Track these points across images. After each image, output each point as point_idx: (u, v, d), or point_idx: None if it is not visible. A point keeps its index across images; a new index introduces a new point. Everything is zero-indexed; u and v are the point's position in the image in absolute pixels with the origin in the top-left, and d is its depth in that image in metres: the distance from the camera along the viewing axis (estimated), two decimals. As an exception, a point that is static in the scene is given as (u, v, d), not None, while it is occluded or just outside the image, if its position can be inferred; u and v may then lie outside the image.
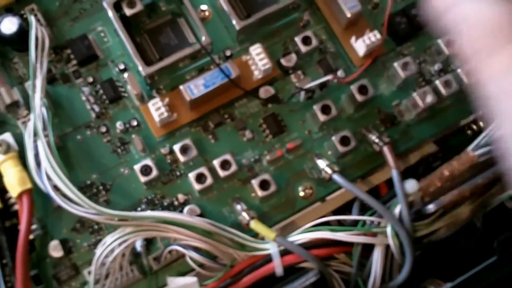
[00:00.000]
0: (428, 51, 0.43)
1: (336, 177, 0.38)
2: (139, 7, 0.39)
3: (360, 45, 0.41)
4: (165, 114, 0.38)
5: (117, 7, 0.39)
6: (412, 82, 0.42)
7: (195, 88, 0.38)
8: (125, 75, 0.39)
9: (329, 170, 0.38)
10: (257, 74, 0.40)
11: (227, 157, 0.38)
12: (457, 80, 0.41)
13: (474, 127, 0.45)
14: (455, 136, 0.44)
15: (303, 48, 0.41)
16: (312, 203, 0.40)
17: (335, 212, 0.40)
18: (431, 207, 0.38)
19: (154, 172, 0.37)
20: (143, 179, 0.37)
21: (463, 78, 0.41)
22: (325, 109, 0.39)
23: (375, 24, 0.42)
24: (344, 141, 0.39)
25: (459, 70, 0.41)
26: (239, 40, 0.41)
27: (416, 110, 0.41)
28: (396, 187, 0.37)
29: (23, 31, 0.38)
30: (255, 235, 0.37)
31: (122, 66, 0.40)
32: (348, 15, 0.41)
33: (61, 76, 0.40)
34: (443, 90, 0.40)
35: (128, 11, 0.39)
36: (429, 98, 0.40)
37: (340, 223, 0.38)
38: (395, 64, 0.41)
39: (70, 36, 0.40)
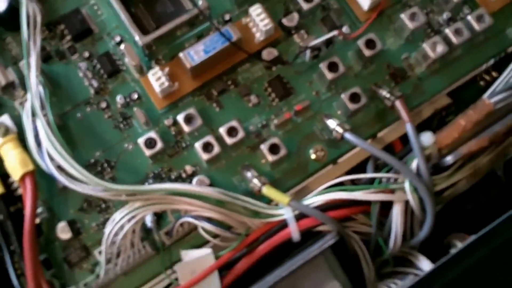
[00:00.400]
0: (435, 0, 0.41)
1: (348, 135, 0.37)
2: (131, -25, 0.38)
3: (364, -1, 0.39)
4: (166, 84, 0.37)
5: (108, -23, 0.38)
6: (420, 34, 0.40)
7: (195, 54, 0.37)
8: (122, 46, 0.37)
9: (340, 129, 0.37)
10: (258, 36, 0.39)
11: (234, 124, 0.37)
12: (468, 27, 0.39)
13: (487, 77, 0.43)
14: (467, 88, 0.42)
15: (305, 6, 0.39)
16: (325, 165, 0.38)
17: (349, 174, 0.39)
18: (449, 159, 0.36)
19: (159, 145, 0.36)
20: (148, 152, 0.36)
21: (474, 25, 0.39)
22: (332, 67, 0.38)
23: (378, -24, 0.40)
24: (354, 98, 0.37)
25: (469, 17, 0.39)
26: (237, 3, 0.40)
27: (427, 62, 0.39)
28: (412, 141, 0.36)
29: (13, 9, 0.36)
30: (268, 201, 0.36)
31: (118, 39, 0.39)
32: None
33: (56, 53, 0.38)
34: (454, 39, 0.39)
35: (120, -20, 0.38)
36: (440, 48, 0.38)
37: (354, 183, 0.36)
38: (402, 16, 0.39)
39: (62, 11, 0.39)
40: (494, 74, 0.43)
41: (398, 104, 0.37)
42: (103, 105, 0.38)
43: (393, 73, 0.40)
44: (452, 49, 0.39)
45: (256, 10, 0.38)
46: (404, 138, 0.38)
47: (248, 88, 0.39)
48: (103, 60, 0.38)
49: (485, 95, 0.37)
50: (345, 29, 0.39)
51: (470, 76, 0.41)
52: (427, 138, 0.36)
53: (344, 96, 0.37)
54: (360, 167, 0.39)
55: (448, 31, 0.39)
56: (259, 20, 0.38)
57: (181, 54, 0.37)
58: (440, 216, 0.35)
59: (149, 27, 0.38)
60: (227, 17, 0.40)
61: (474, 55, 0.40)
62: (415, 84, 0.40)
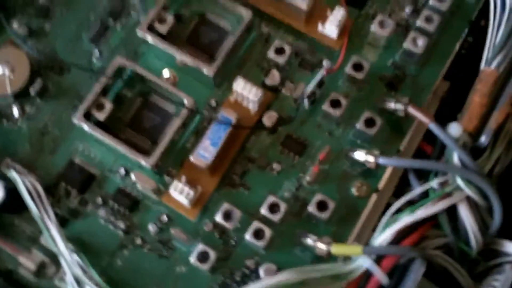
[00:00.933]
0: (390, 0, 0.41)
1: (382, 160, 0.36)
2: (108, 106, 0.36)
3: (330, 28, 0.39)
4: (191, 193, 0.35)
5: (87, 117, 0.36)
6: (394, 36, 0.40)
7: (205, 152, 0.36)
8: (132, 176, 0.36)
9: (371, 158, 0.36)
10: (252, 107, 0.38)
11: (271, 199, 0.35)
12: (435, 11, 0.39)
13: (465, 45, 0.44)
14: (457, 63, 0.42)
15: (280, 60, 0.39)
16: (369, 197, 0.38)
17: (396, 195, 0.38)
18: (483, 139, 0.36)
19: (212, 254, 0.35)
20: (205, 267, 0.34)
21: (439, 6, 0.39)
22: (335, 104, 0.37)
23: (331, 2, 0.40)
24: (370, 123, 0.37)
25: (431, 2, 0.39)
26: (216, 85, 0.39)
27: (415, 59, 0.39)
28: (443, 138, 0.35)
29: (11, 191, 0.35)
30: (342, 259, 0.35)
31: (122, 171, 0.37)
32: (304, 7, 0.39)
33: (70, 213, 0.36)
34: (428, 27, 0.39)
35: (100, 116, 0.36)
36: (421, 41, 0.38)
37: (410, 203, 0.36)
38: (372, 28, 0.39)
39: (57, 170, 0.37)
40: (469, 39, 0.44)
41: (412, 109, 0.37)
42: (138, 241, 0.36)
43: (389, 83, 0.39)
44: (431, 38, 0.39)
45: (239, 84, 0.37)
46: (427, 139, 0.38)
47: (265, 158, 0.38)
48: (118, 198, 0.37)
49: (483, 65, 0.38)
50: (326, 63, 0.39)
51: (454, 52, 0.42)
52: (455, 128, 0.36)
53: (360, 125, 0.37)
54: (401, 185, 0.38)
55: (419, 23, 0.39)
56: (247, 93, 0.37)
57: (191, 158, 0.36)
58: (503, 197, 0.34)
59: (146, 145, 0.37)
60: (213, 103, 0.39)
61: (450, 32, 0.41)
62: (412, 83, 0.40)
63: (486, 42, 0.38)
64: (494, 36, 0.38)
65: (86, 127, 0.36)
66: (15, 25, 0.40)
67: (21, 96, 0.38)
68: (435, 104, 0.41)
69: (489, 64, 0.37)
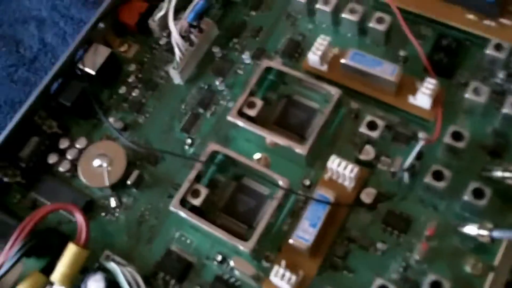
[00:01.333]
0: (480, 67, 0.40)
1: (497, 234, 0.33)
2: (203, 192, 0.36)
3: (422, 99, 0.38)
4: (293, 278, 0.33)
5: (183, 204, 0.36)
6: (490, 102, 0.38)
7: (305, 233, 0.34)
8: (231, 262, 0.35)
9: (485, 232, 0.33)
10: (348, 184, 0.37)
11: (379, 282, 0.33)
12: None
13: None
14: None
15: (374, 134, 0.38)
16: (487, 275, 0.34)
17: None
18: None
19: None
20: None
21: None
22: (438, 175, 0.35)
23: (417, 73, 0.40)
24: (478, 194, 0.34)
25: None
26: (309, 164, 0.38)
27: (516, 123, 0.37)
28: None
29: (112, 282, 0.34)
30: None
31: (219, 257, 0.36)
32: (394, 79, 0.38)
33: (168, 303, 0.36)
34: (528, 90, 0.37)
35: (196, 201, 0.36)
36: (522, 105, 0.37)
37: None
38: (467, 96, 0.38)
39: (154, 260, 0.37)
40: None
41: (525, 176, 0.34)
42: (240, 331, 0.34)
43: (492, 151, 0.37)
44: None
45: (334, 162, 0.36)
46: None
47: (367, 238, 0.36)
48: (216, 286, 0.35)
49: None
50: (423, 134, 0.38)
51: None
52: None
53: (468, 197, 0.35)
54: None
55: (516, 85, 0.38)
56: (342, 170, 0.36)
57: (291, 241, 0.34)
58: None
59: (242, 230, 0.36)
60: (307, 182, 0.38)
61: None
62: (516, 148, 0.37)
63: None
64: None
65: (182, 213, 0.35)
66: (111, 119, 0.41)
67: (118, 187, 0.39)
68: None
69: None
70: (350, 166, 0.36)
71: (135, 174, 0.38)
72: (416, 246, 0.35)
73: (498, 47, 0.39)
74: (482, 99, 0.37)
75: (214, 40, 0.44)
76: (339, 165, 0.36)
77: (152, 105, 0.42)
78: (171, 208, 0.36)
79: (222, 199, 0.37)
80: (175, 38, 0.41)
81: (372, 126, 0.38)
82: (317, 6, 0.43)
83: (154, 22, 0.44)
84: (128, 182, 0.38)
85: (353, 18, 0.41)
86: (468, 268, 0.34)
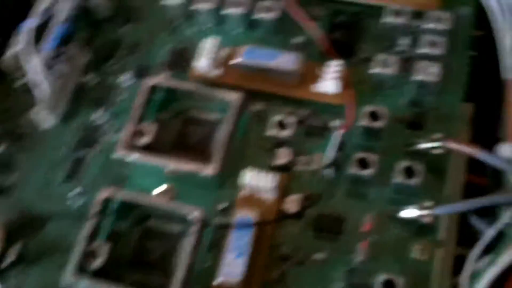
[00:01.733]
0: (380, 37, 0.37)
1: (439, 210, 0.30)
2: (104, 249, 0.30)
3: (330, 84, 0.34)
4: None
5: (82, 270, 0.30)
6: (399, 73, 0.35)
7: (232, 267, 0.29)
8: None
9: (426, 212, 0.30)
10: (271, 196, 0.32)
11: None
12: (435, 33, 0.35)
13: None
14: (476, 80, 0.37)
15: (285, 134, 0.34)
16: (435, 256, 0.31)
17: (462, 243, 0.32)
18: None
19: None
20: None
21: (438, 27, 0.35)
22: (363, 163, 0.32)
23: (319, 58, 0.36)
24: (409, 173, 0.31)
25: (430, 25, 0.35)
26: (220, 185, 0.33)
27: (430, 89, 0.34)
28: (498, 164, 0.30)
29: None
30: None
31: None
32: (295, 68, 0.35)
33: None
34: (435, 51, 0.35)
35: (96, 263, 0.30)
36: (433, 68, 0.34)
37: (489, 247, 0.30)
38: (375, 70, 0.35)
39: None
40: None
41: (452, 144, 0.31)
42: None
43: (412, 123, 0.34)
44: (440, 60, 0.35)
45: (249, 176, 0.32)
46: (475, 169, 0.33)
47: (301, 251, 0.31)
48: None
49: (508, 76, 0.33)
50: (337, 122, 0.34)
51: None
52: (507, 150, 0.30)
53: (399, 179, 0.31)
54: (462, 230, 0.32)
55: (425, 50, 0.35)
56: (261, 183, 0.32)
57: (218, 280, 0.30)
58: None
59: (159, 281, 0.31)
60: (222, 205, 0.33)
61: (456, 50, 0.36)
62: (435, 117, 0.35)
63: (499, 51, 0.34)
64: (505, 43, 0.34)
65: (82, 284, 0.30)
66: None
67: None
68: (465, 130, 0.35)
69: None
70: (269, 176, 0.32)
71: (15, 249, 0.32)
72: (356, 246, 0.31)
73: (397, 13, 0.36)
74: (391, 70, 0.34)
75: (85, 67, 0.38)
76: (255, 178, 0.32)
77: (22, 160, 0.36)
78: (66, 281, 0.30)
79: (129, 251, 0.32)
80: (35, 73, 0.35)
81: (281, 125, 0.34)
82: (194, 6, 0.38)
83: (4, 62, 0.37)
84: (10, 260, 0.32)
85: (238, 11, 0.37)
86: (416, 255, 0.31)
